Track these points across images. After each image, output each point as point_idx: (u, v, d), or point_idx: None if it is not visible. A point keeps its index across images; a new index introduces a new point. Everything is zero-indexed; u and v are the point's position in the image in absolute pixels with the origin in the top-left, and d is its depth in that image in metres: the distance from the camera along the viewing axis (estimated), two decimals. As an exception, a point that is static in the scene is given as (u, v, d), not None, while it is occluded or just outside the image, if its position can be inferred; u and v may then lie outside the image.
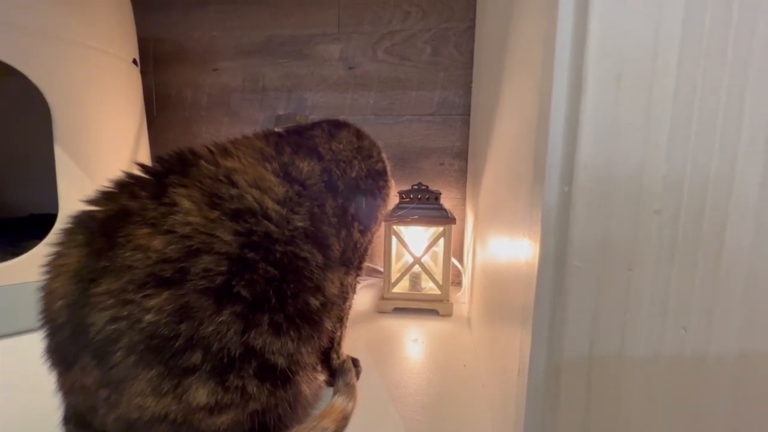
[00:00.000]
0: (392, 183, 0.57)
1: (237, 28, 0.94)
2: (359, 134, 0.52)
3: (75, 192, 0.64)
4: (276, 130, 0.48)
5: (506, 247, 0.38)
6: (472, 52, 0.87)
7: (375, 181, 0.51)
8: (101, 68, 0.69)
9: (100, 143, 0.69)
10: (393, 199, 0.60)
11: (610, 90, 0.19)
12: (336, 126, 0.51)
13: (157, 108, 0.99)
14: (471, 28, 0.87)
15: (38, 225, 0.84)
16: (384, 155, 0.55)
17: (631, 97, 0.19)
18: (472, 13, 0.86)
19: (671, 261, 0.20)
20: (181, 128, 1.00)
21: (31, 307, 0.57)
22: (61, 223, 0.62)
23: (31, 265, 0.60)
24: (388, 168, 0.55)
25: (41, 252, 0.60)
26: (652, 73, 0.19)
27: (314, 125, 0.50)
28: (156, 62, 0.98)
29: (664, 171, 0.19)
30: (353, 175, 0.47)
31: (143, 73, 0.84)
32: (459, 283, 0.90)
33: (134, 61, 0.80)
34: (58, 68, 0.61)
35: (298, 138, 0.45)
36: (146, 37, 0.93)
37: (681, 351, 0.20)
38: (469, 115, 0.89)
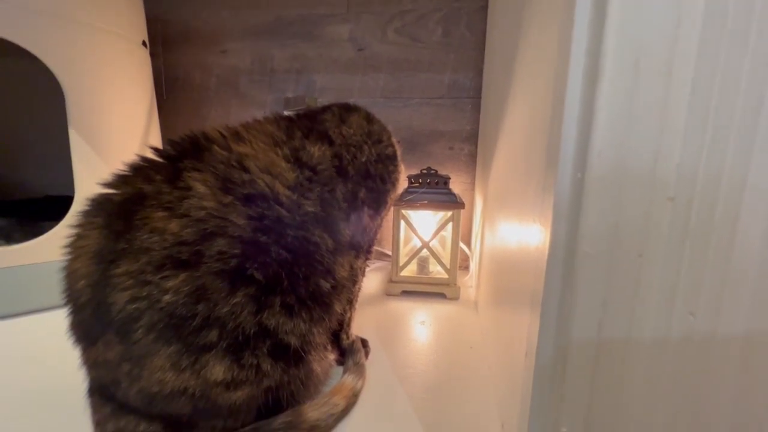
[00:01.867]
0: (402, 167, 0.57)
1: (245, 7, 0.93)
2: (369, 118, 0.52)
3: (90, 173, 0.65)
4: (286, 114, 0.48)
5: (516, 232, 0.38)
6: (484, 33, 0.85)
7: (385, 165, 0.51)
8: (111, 50, 0.69)
9: (113, 125, 0.70)
10: (402, 184, 0.60)
11: (628, 76, 0.18)
12: (346, 110, 0.50)
13: (166, 90, 1.00)
14: (484, 8, 0.84)
15: (54, 206, 0.86)
16: (394, 140, 0.55)
17: (649, 83, 0.19)
18: (485, -8, 0.84)
19: (682, 247, 0.20)
20: (190, 110, 1.00)
21: (49, 286, 0.60)
22: (78, 204, 0.64)
23: (49, 245, 0.62)
24: (399, 152, 0.55)
25: (59, 233, 0.62)
26: (671, 60, 0.18)
27: (324, 109, 0.50)
28: (164, 44, 0.98)
29: (679, 159, 0.19)
30: (363, 159, 0.47)
31: (152, 55, 0.84)
32: (466, 268, 0.90)
33: (143, 43, 0.79)
34: (69, 50, 0.62)
35: (308, 122, 0.45)
36: (154, 18, 0.93)
37: (688, 336, 0.21)
38: (480, 98, 0.88)
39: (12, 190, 0.96)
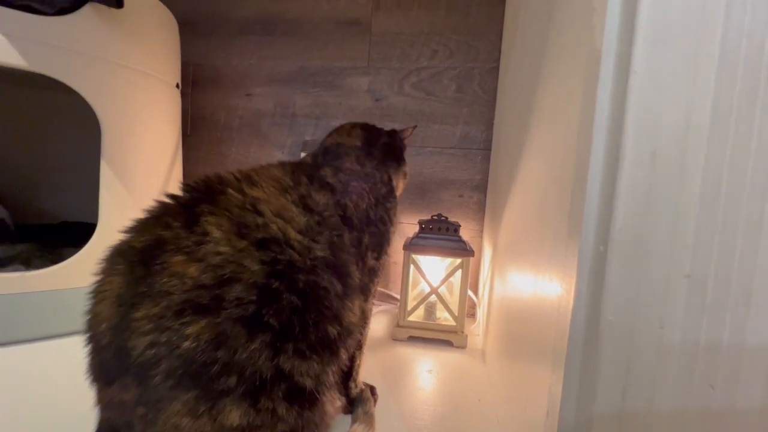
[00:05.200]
0: (397, 195, 0.59)
1: (272, 57, 1.00)
2: (361, 161, 0.54)
3: (114, 203, 0.68)
4: (290, 160, 0.51)
5: (531, 286, 0.39)
6: (495, 91, 0.91)
7: (383, 205, 0.52)
8: (149, 91, 0.74)
9: (141, 160, 0.73)
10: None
11: (646, 164, 0.21)
12: (338, 156, 0.53)
13: (191, 127, 1.05)
14: (495, 69, 0.91)
15: (71, 232, 0.88)
16: (387, 173, 0.56)
17: (665, 172, 0.21)
18: (496, 55, 0.91)
19: (700, 322, 0.21)
20: (212, 147, 1.04)
21: (68, 312, 0.60)
22: (101, 232, 0.65)
23: (69, 273, 0.63)
24: (394, 182, 0.57)
25: (79, 260, 0.64)
26: (683, 153, 0.21)
27: (323, 159, 0.52)
28: (194, 85, 1.04)
29: (694, 240, 0.21)
30: (364, 206, 0.49)
31: (182, 94, 0.89)
32: (473, 315, 0.90)
33: (177, 85, 0.85)
34: (111, 90, 0.66)
35: (310, 169, 0.48)
36: (187, 62, 0.99)
37: (708, 407, 0.21)
38: (489, 150, 0.92)
39: (30, 215, 0.99)
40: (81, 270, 0.63)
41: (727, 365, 0.21)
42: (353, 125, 0.62)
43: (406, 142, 0.66)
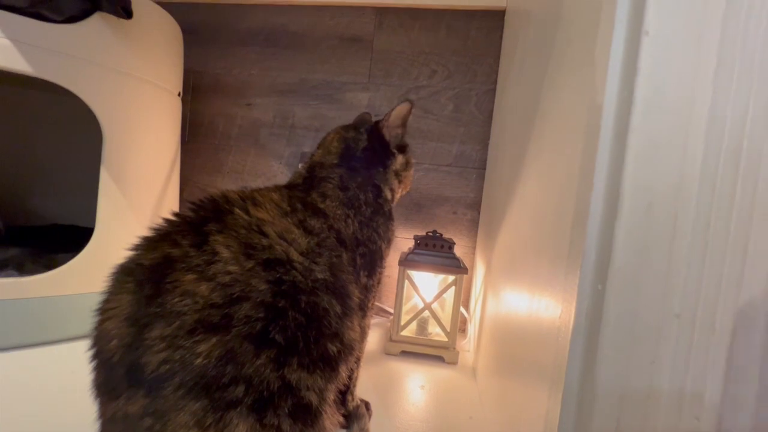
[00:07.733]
0: (392, 210, 0.58)
1: (274, 68, 1.01)
2: (343, 185, 0.52)
3: (112, 210, 0.67)
4: (284, 185, 0.52)
5: (527, 309, 0.41)
6: (491, 112, 0.94)
7: (369, 226, 0.53)
8: (152, 100, 0.75)
9: (140, 167, 0.73)
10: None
11: (642, 215, 0.23)
12: (320, 182, 0.52)
13: (189, 134, 1.05)
14: (492, 91, 0.94)
15: (62, 235, 0.87)
16: (373, 187, 0.55)
17: (659, 222, 0.23)
18: (493, 78, 0.94)
19: (687, 358, 0.23)
20: (209, 155, 1.05)
21: (62, 319, 0.60)
22: (98, 237, 0.65)
23: (63, 279, 0.62)
24: (384, 191, 0.56)
25: (73, 266, 0.63)
26: (676, 206, 0.23)
27: (310, 183, 0.52)
28: (194, 92, 1.04)
29: (684, 282, 0.23)
30: (351, 232, 0.50)
31: (181, 101, 0.90)
32: (464, 331, 0.92)
33: (179, 94, 0.86)
34: (116, 99, 0.67)
35: (302, 194, 0.49)
36: (188, 69, 1.00)
37: (693, 437, 0.23)
38: (484, 169, 0.95)
39: (20, 217, 0.97)
40: (76, 277, 0.63)
41: (712, 399, 0.23)
42: (335, 135, 0.58)
43: (387, 133, 0.58)
